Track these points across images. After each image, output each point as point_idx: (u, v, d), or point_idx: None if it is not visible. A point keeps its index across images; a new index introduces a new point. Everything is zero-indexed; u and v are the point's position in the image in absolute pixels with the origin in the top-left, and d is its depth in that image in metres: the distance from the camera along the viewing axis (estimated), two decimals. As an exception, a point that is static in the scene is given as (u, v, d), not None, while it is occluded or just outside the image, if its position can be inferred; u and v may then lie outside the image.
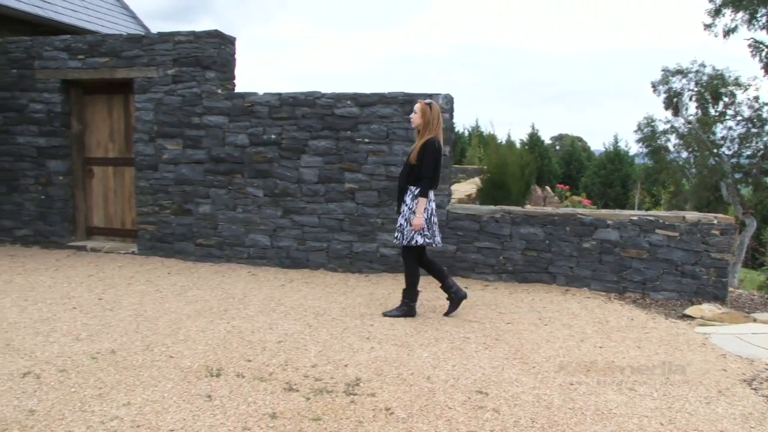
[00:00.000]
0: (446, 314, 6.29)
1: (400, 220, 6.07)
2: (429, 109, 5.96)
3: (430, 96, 7.79)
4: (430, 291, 7.12)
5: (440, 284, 6.35)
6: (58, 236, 9.62)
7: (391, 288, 7.29)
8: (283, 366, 4.74)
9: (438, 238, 6.15)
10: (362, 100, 8.08)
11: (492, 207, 8.01)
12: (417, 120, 6.02)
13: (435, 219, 6.11)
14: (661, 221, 7.27)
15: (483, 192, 11.30)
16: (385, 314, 6.20)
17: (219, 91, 8.60)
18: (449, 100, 7.86)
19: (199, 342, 5.26)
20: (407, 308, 6.19)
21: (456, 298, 6.27)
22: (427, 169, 5.87)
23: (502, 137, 25.18)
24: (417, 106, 6.02)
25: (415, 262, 6.22)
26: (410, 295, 6.21)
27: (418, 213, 5.90)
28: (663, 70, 24.82)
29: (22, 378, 4.40)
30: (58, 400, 4.04)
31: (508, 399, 4.22)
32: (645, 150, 26.42)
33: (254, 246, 8.56)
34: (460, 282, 7.67)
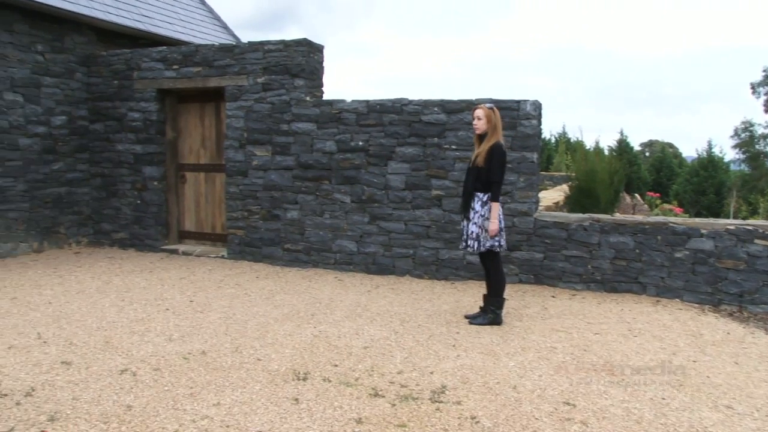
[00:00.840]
0: (469, 317, 6.28)
1: (472, 228, 6.06)
2: (493, 113, 6.02)
3: (517, 103, 7.72)
4: (516, 299, 7.03)
5: (487, 294, 6.30)
6: (152, 239, 9.97)
7: (477, 296, 7.23)
8: (369, 372, 4.77)
9: (504, 242, 6.14)
10: (449, 107, 8.07)
11: (580, 215, 7.85)
12: (483, 126, 6.05)
13: (503, 223, 6.13)
14: (760, 231, 6.96)
15: (571, 199, 11.09)
16: (471, 322, 6.16)
17: (307, 98, 8.75)
18: (537, 106, 7.76)
19: (286, 346, 5.35)
20: (494, 316, 6.13)
21: (492, 317, 6.16)
22: (496, 173, 5.89)
23: (590, 143, 24.70)
24: (480, 112, 6.05)
25: (500, 268, 6.18)
26: (497, 302, 6.15)
27: (493, 218, 5.91)
28: (765, 71, 23.79)
29: (120, 375, 4.58)
30: (153, 398, 4.18)
31: (596, 411, 4.12)
32: (742, 156, 25.39)
33: (341, 252, 8.66)
34: (545, 290, 7.55)
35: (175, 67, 9.57)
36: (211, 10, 14.84)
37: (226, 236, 9.52)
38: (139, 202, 10.03)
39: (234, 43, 9.51)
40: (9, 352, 5.07)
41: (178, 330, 5.74)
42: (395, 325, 6.06)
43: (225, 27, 14.73)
